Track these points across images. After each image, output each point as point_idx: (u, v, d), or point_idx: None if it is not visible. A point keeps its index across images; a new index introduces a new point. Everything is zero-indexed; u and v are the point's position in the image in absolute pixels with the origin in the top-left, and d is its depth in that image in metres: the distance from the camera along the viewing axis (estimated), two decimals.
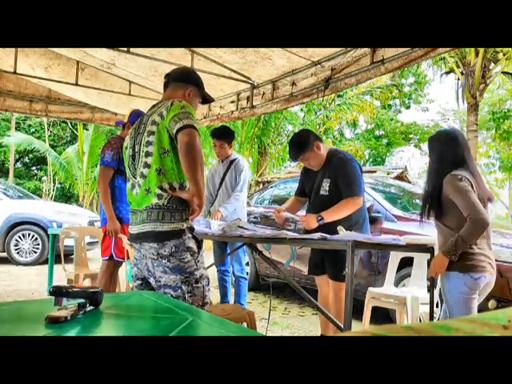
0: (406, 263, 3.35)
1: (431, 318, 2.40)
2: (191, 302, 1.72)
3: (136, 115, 3.24)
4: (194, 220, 1.89)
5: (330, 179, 2.63)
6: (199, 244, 1.81)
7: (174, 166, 1.75)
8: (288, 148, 2.83)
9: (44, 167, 18.39)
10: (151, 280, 1.81)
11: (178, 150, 1.74)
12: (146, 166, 1.77)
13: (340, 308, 2.45)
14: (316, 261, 2.84)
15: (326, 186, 2.64)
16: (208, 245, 5.62)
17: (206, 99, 2.07)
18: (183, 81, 1.96)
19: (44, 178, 16.54)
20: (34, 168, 20.89)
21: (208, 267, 2.46)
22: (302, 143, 2.68)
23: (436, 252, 2.39)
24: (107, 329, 1.03)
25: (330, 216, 2.52)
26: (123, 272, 3.47)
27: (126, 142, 1.96)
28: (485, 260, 2.13)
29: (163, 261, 1.74)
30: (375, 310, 3.19)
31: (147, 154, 1.78)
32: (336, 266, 2.59)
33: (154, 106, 1.89)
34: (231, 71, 4.12)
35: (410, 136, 20.04)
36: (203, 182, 1.73)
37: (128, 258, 3.14)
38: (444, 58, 10.87)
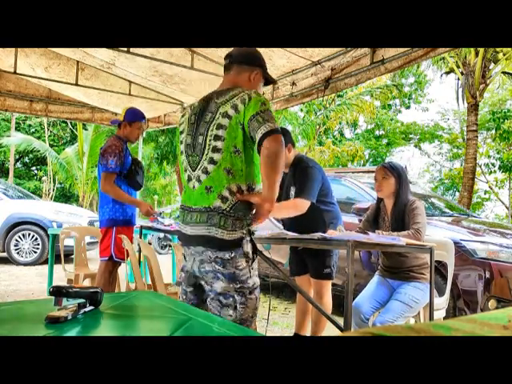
0: None
1: (431, 318, 2.40)
2: (242, 312, 1.62)
3: (132, 113, 3.23)
4: None
5: (296, 187, 2.70)
6: (255, 249, 1.69)
7: (244, 167, 1.61)
8: None
9: (44, 167, 18.39)
10: (202, 282, 1.71)
11: (249, 150, 1.63)
12: (213, 162, 1.63)
13: (321, 305, 2.59)
14: (297, 262, 2.93)
15: (294, 194, 2.71)
16: None
17: (268, 80, 1.89)
18: (249, 63, 1.77)
19: (44, 178, 16.53)
20: (33, 168, 20.89)
21: None
22: None
23: (435, 252, 2.41)
24: (107, 329, 1.03)
25: (273, 210, 2.63)
26: (123, 272, 3.47)
27: (182, 126, 1.79)
28: None
29: (217, 266, 1.63)
30: None
31: (215, 150, 1.62)
32: (318, 265, 2.73)
33: (222, 92, 1.69)
34: None
35: (410, 136, 20.04)
36: (277, 191, 1.61)
37: (128, 258, 3.14)
38: (444, 58, 10.86)
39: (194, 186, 1.69)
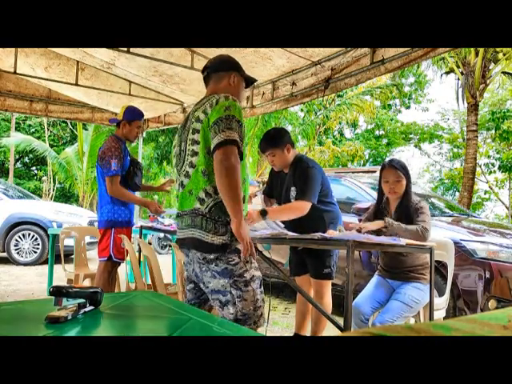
0: None
1: (431, 318, 2.40)
2: (242, 306, 1.63)
3: (131, 112, 3.21)
4: None
5: (296, 187, 2.69)
6: None
7: None
8: (261, 139, 2.84)
9: (44, 167, 18.40)
10: (201, 285, 1.75)
11: None
12: (192, 165, 1.69)
13: (321, 305, 2.59)
14: (297, 262, 2.93)
15: (294, 195, 2.71)
16: None
17: (249, 81, 1.93)
18: (223, 69, 1.83)
19: (44, 178, 16.54)
20: (33, 168, 20.89)
21: None
22: (276, 138, 2.74)
23: (435, 252, 2.41)
24: (107, 329, 1.03)
25: (275, 214, 2.61)
26: (123, 272, 3.47)
27: (175, 140, 1.88)
28: None
29: (210, 265, 1.66)
30: None
31: (193, 154, 1.69)
32: (317, 265, 2.73)
33: (200, 101, 1.77)
34: None
35: (410, 136, 20.05)
36: (241, 208, 1.59)
37: (127, 257, 3.14)
38: (444, 58, 10.87)
39: (180, 192, 1.77)
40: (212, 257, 1.65)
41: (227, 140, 1.56)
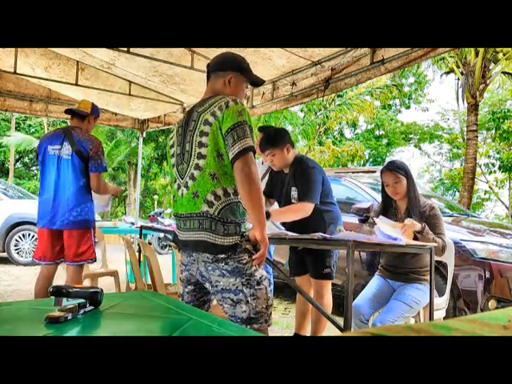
0: None
1: (431, 318, 2.40)
2: (255, 305, 1.63)
3: (97, 108, 3.24)
4: None
5: (297, 188, 2.69)
6: (255, 246, 1.70)
7: (229, 170, 1.64)
8: (261, 138, 2.83)
9: None
10: (207, 285, 1.73)
11: None
12: (198, 168, 1.67)
13: (321, 305, 2.58)
14: (297, 262, 2.92)
15: (295, 195, 2.71)
16: None
17: (255, 81, 1.91)
18: (221, 69, 1.80)
19: None
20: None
21: None
22: (276, 138, 2.74)
23: (434, 252, 2.42)
24: (107, 329, 1.03)
25: (277, 215, 2.62)
26: (123, 272, 3.47)
27: (172, 140, 1.84)
28: None
29: (219, 264, 1.64)
30: None
31: (200, 156, 1.67)
32: (317, 265, 2.72)
33: (203, 101, 1.74)
34: None
35: (410, 136, 20.06)
36: (264, 214, 1.64)
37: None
38: (444, 58, 10.87)
39: (182, 194, 1.73)
40: (222, 256, 1.64)
41: (246, 148, 1.59)
